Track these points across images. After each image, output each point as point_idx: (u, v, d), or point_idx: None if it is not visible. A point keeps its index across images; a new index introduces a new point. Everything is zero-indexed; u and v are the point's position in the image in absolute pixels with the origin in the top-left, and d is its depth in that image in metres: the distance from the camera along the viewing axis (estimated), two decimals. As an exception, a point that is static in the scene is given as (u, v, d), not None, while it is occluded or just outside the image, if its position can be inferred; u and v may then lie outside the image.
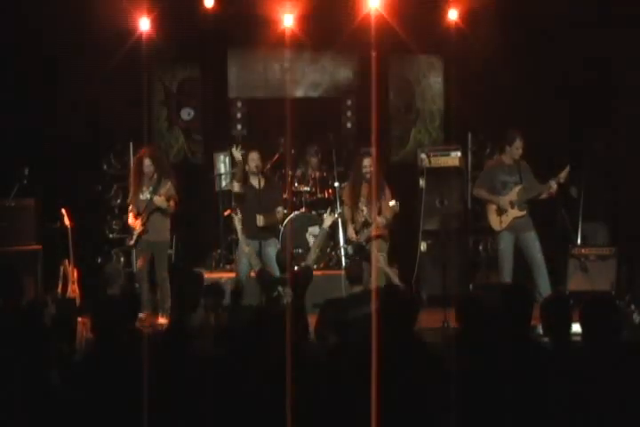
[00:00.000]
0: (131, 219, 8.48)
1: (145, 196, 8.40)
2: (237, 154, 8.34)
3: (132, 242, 8.48)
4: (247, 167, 8.28)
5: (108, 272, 7.95)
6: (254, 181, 8.33)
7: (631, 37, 9.15)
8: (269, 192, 8.31)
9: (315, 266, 7.74)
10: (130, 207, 8.54)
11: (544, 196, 8.12)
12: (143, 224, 8.30)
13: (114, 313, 4.52)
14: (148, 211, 8.31)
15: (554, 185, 8.02)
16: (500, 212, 8.17)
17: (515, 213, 8.13)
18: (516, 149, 8.09)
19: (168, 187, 8.26)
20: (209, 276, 9.18)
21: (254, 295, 7.75)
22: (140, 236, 8.35)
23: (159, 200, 8.26)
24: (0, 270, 5.74)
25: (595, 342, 4.13)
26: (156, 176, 8.42)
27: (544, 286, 8.00)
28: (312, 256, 7.54)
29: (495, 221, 8.22)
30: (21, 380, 4.42)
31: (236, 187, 8.37)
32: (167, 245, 8.64)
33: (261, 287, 7.29)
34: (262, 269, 7.43)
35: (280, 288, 7.08)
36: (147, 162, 8.43)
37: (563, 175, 8.01)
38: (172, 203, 8.35)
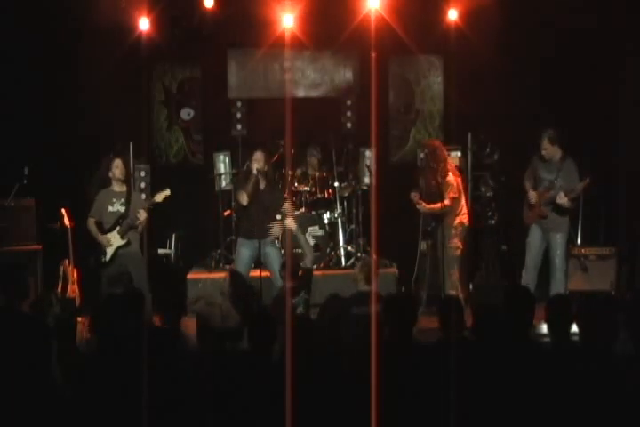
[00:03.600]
0: (99, 235, 7.82)
1: (115, 208, 7.85)
2: (259, 164, 8.08)
3: (107, 258, 7.86)
4: (251, 166, 8.15)
5: (111, 273, 7.79)
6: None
7: (634, 40, 9.19)
8: (271, 193, 8.26)
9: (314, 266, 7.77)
10: (91, 221, 7.88)
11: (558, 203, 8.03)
12: (122, 238, 7.79)
13: (117, 312, 4.53)
14: (125, 227, 7.76)
15: (562, 198, 7.92)
16: (530, 206, 8.19)
17: (540, 211, 8.12)
18: (544, 149, 8.07)
19: (144, 199, 7.79)
20: (208, 276, 9.23)
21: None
22: (117, 250, 7.83)
23: (143, 215, 7.71)
24: (7, 270, 5.76)
25: (594, 341, 4.14)
26: (125, 186, 7.93)
27: (554, 288, 8.01)
28: (308, 256, 7.66)
29: (525, 214, 8.28)
30: (23, 379, 4.42)
31: (245, 200, 8.06)
32: (141, 256, 8.04)
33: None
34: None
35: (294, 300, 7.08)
36: (118, 163, 7.87)
37: (580, 187, 7.93)
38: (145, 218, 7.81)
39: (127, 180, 8.03)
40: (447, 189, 8.33)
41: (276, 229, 8.15)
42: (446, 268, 8.46)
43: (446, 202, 8.27)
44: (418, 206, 8.49)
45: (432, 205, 8.38)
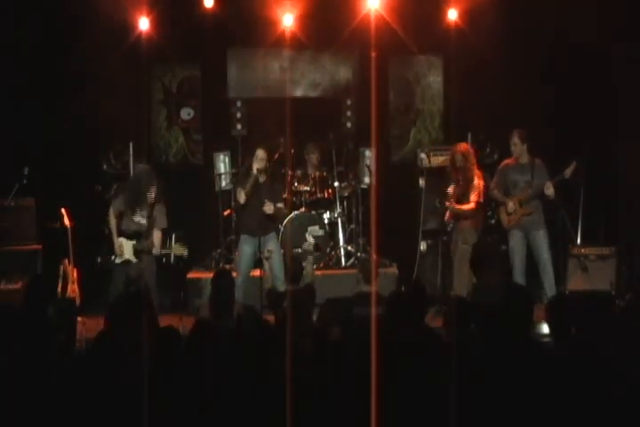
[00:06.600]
0: (115, 236, 7.91)
1: (137, 218, 7.90)
2: (260, 164, 8.17)
3: (118, 261, 7.91)
4: (252, 165, 8.19)
5: (130, 273, 7.77)
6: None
7: (632, 37, 9.19)
8: (270, 187, 8.30)
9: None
10: (112, 217, 7.95)
11: (546, 195, 8.15)
12: (134, 255, 7.84)
13: (128, 312, 4.56)
14: (140, 247, 7.78)
15: (550, 187, 8.07)
16: (509, 211, 8.29)
17: (523, 211, 8.25)
18: (513, 144, 8.30)
19: (162, 231, 7.88)
20: (208, 276, 9.22)
21: (254, 295, 7.80)
22: (128, 260, 7.88)
23: (157, 250, 7.83)
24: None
25: (593, 341, 4.14)
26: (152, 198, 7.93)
27: (548, 286, 8.13)
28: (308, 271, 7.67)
29: (504, 220, 8.44)
30: (21, 379, 4.42)
31: (243, 199, 8.15)
32: (152, 255, 8.01)
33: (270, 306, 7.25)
34: (270, 290, 7.53)
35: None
36: (152, 180, 7.94)
37: (568, 171, 8.09)
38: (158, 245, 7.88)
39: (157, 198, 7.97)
40: (473, 193, 8.39)
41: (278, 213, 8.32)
42: (457, 266, 8.42)
43: (472, 205, 8.33)
44: (447, 205, 8.50)
45: (462, 206, 8.41)
